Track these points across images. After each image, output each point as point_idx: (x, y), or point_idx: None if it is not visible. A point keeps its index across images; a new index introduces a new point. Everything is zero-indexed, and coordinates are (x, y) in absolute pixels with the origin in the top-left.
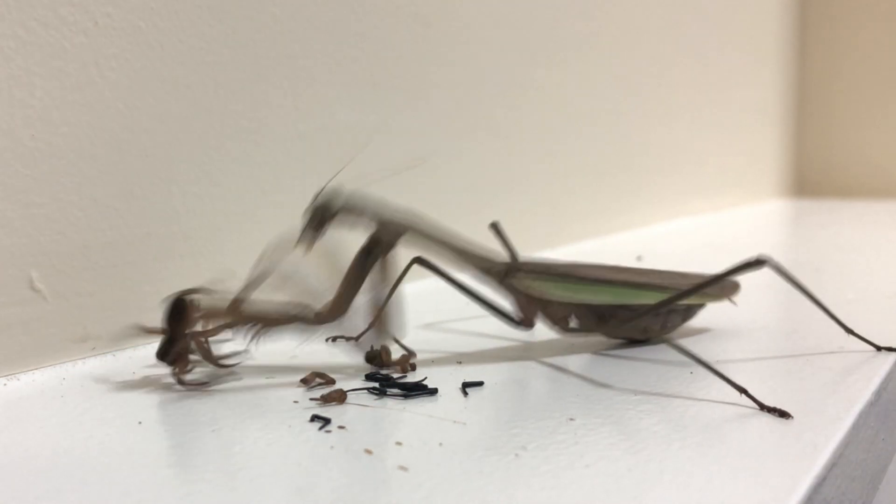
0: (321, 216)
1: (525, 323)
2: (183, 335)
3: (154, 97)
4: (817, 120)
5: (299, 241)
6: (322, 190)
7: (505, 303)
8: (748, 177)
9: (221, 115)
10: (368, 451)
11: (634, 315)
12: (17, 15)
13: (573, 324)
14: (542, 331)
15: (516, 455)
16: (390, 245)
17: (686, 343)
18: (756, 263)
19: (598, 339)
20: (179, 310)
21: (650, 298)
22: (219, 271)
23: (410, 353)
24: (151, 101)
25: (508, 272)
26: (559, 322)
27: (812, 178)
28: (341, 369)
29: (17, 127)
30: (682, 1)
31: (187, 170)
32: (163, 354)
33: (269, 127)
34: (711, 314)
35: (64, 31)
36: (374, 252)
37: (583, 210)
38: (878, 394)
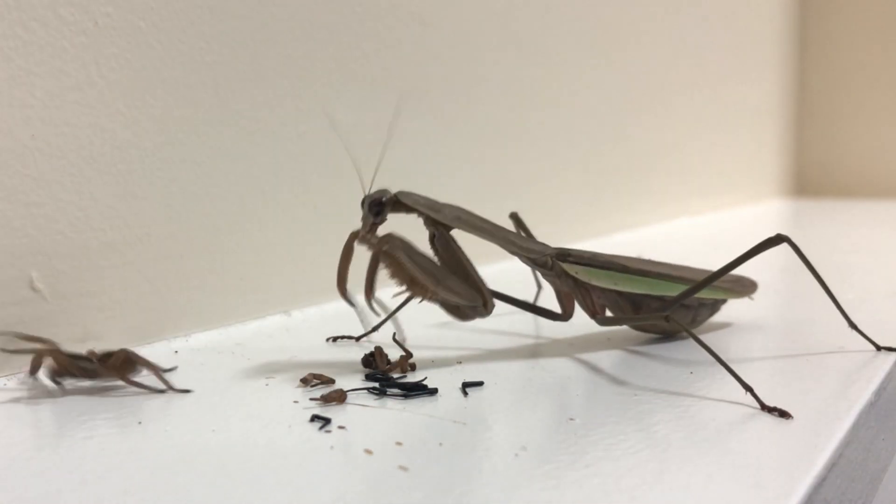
0: (375, 210)
1: (563, 314)
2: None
3: (154, 97)
4: (818, 120)
5: (361, 233)
6: (370, 189)
7: (540, 299)
8: (748, 177)
9: (221, 115)
10: (368, 451)
11: (667, 306)
12: (17, 15)
13: (608, 313)
14: (544, 331)
15: (516, 455)
16: (447, 230)
17: (684, 343)
18: (776, 240)
19: (625, 334)
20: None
21: (681, 291)
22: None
23: (408, 354)
24: (151, 101)
25: (559, 258)
26: (597, 310)
27: (812, 178)
28: (341, 369)
29: (17, 127)
30: (682, 0)
31: (187, 170)
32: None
33: (269, 127)
34: (721, 312)
35: (64, 31)
36: (439, 238)
37: (582, 210)
38: (878, 394)
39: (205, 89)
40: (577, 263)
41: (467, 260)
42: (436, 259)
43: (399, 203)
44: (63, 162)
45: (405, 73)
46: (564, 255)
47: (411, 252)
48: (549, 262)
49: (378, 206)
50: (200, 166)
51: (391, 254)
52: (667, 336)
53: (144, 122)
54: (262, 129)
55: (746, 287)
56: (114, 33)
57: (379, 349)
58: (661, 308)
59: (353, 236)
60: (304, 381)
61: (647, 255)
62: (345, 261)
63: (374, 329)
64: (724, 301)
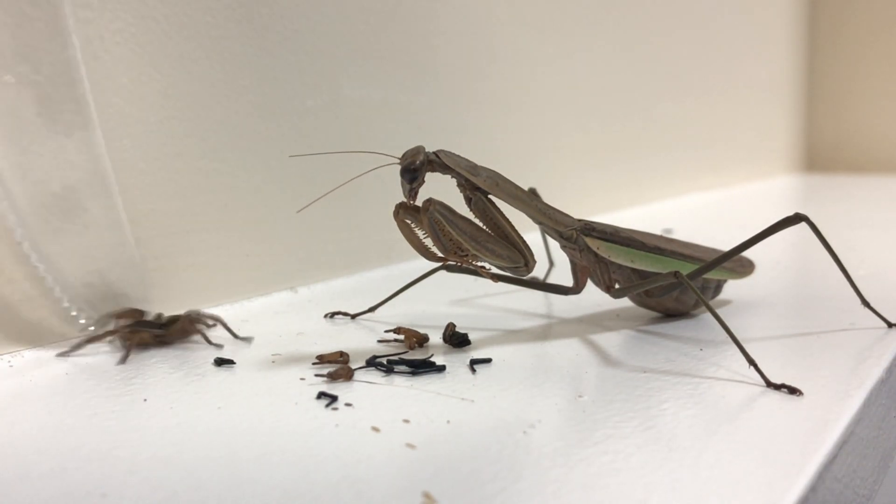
0: (410, 176)
1: (575, 287)
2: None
3: (160, 72)
4: (828, 95)
5: (404, 198)
6: (407, 150)
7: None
8: (759, 152)
9: (227, 89)
10: (375, 429)
11: (677, 285)
12: None
13: (618, 286)
14: (552, 309)
15: (524, 433)
16: (484, 194)
17: (694, 321)
18: (794, 219)
19: (634, 312)
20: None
21: (692, 270)
22: (225, 247)
23: (423, 337)
24: (157, 77)
25: (583, 232)
26: (611, 285)
27: (823, 153)
28: (347, 346)
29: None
30: None
31: (192, 145)
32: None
33: (276, 102)
34: (723, 291)
35: (68, 6)
36: (476, 202)
37: (592, 186)
38: (890, 371)
39: (210, 64)
40: (599, 238)
41: (507, 221)
42: (478, 223)
43: (435, 163)
44: None
45: (413, 49)
46: (589, 228)
47: (452, 216)
48: (574, 235)
49: (412, 172)
50: (206, 141)
51: (435, 218)
52: (675, 314)
53: (150, 96)
54: (268, 103)
55: (745, 267)
56: (119, 7)
57: (401, 329)
58: (673, 287)
59: (399, 207)
60: (320, 358)
61: (662, 229)
62: (407, 233)
63: (373, 308)
64: (725, 281)
